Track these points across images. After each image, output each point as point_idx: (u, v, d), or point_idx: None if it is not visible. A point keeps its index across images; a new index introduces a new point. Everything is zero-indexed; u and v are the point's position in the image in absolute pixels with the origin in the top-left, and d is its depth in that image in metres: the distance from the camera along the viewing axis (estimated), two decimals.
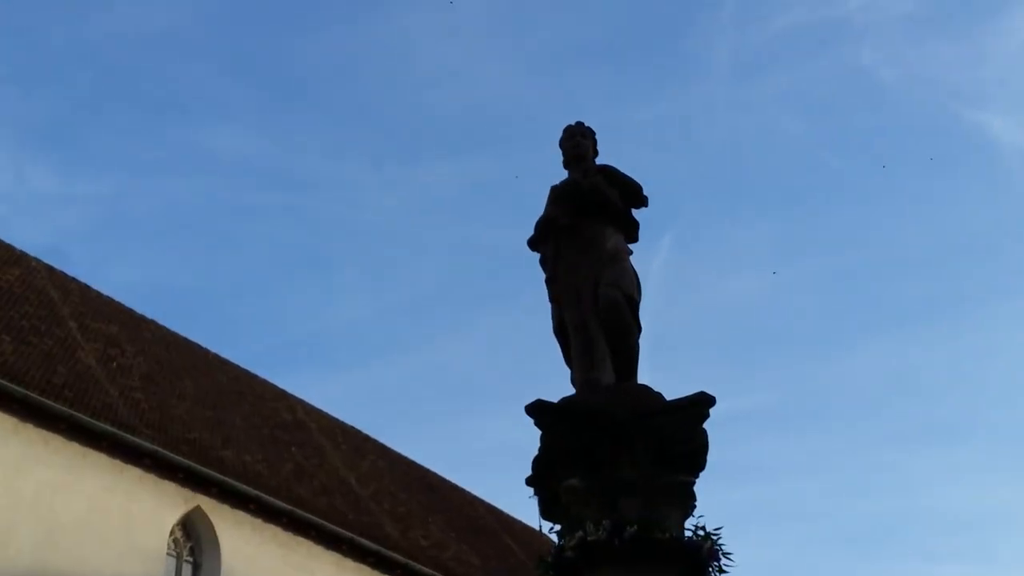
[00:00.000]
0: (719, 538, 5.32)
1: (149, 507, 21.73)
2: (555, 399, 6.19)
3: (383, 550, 25.64)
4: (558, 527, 5.42)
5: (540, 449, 5.73)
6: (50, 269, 25.98)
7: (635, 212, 7.56)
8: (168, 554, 22.19)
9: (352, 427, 32.30)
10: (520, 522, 33.51)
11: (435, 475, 34.14)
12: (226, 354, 30.47)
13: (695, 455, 5.55)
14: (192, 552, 22.75)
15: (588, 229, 7.02)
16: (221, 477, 22.73)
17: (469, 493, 34.79)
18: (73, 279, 26.60)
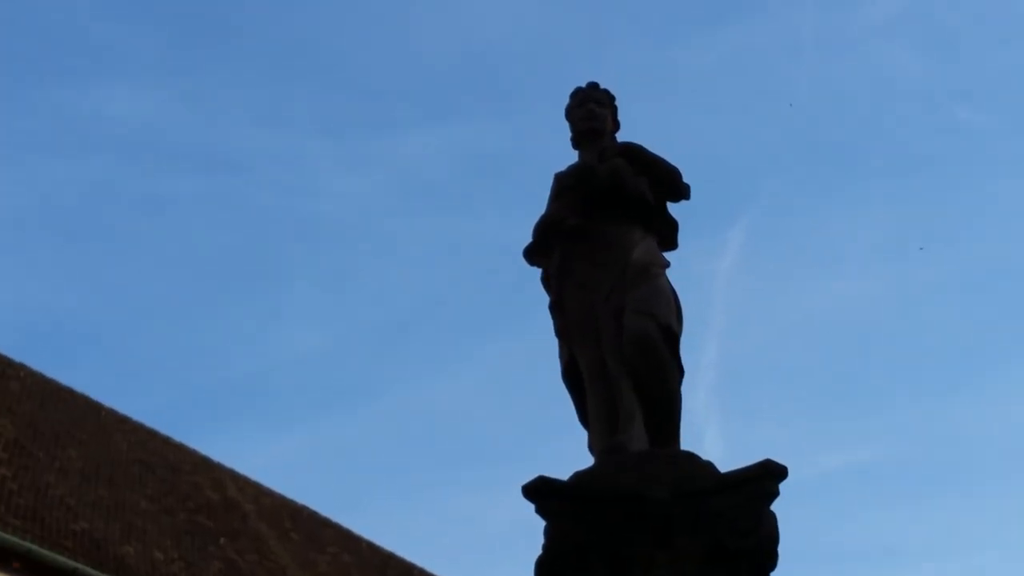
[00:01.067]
0: None
1: None
2: (566, 474, 6.09)
3: None
4: None
5: (545, 546, 5.63)
6: None
7: (673, 207, 7.44)
8: None
9: (304, 506, 32.31)
10: None
11: (420, 570, 34.17)
12: (124, 409, 30.42)
13: (761, 547, 5.46)
14: None
15: (607, 233, 6.83)
16: None
17: None
18: None
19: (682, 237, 7.66)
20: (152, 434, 29.90)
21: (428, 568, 34.22)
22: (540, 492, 5.63)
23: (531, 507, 5.78)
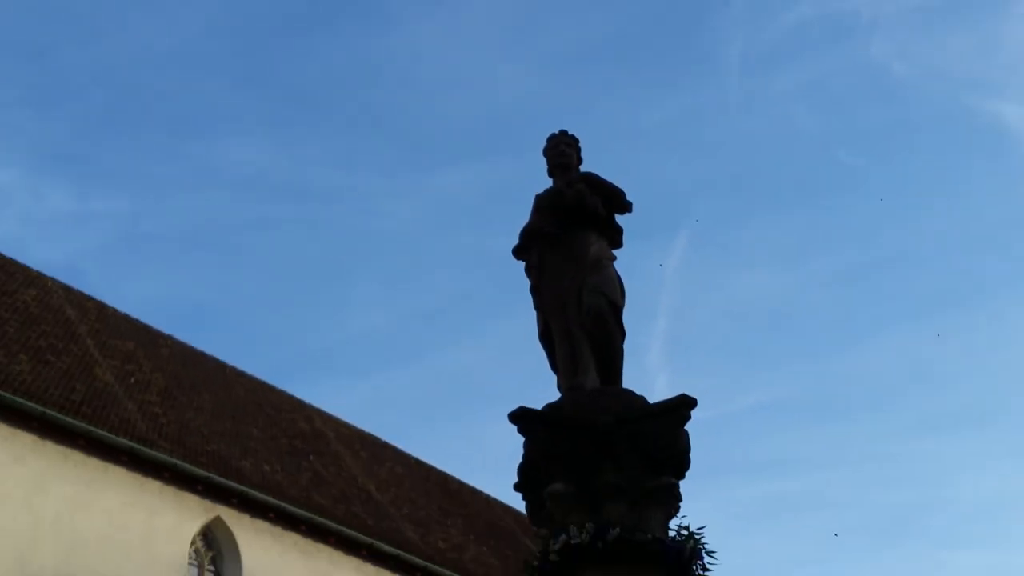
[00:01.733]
0: (702, 537, 5.36)
1: (170, 520, 21.85)
2: (541, 405, 6.21)
3: (403, 554, 25.71)
4: (543, 531, 5.45)
5: (524, 456, 5.76)
6: (67, 288, 26.14)
7: (621, 218, 7.55)
8: (190, 564, 22.31)
9: (370, 434, 32.39)
10: (538, 532, 33.61)
11: (453, 479, 34.19)
12: (243, 367, 30.59)
13: (678, 458, 5.56)
14: (213, 562, 22.86)
15: (572, 238, 6.96)
16: (240, 487, 22.84)
17: (487, 495, 34.81)
18: (90, 297, 26.76)
19: (635, 238, 7.80)
20: (262, 384, 30.04)
21: (460, 477, 34.27)
22: (521, 417, 5.76)
23: (516, 428, 5.92)
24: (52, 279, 26.17)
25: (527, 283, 7.35)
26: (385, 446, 32.48)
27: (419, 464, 33.13)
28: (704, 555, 5.29)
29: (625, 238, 7.66)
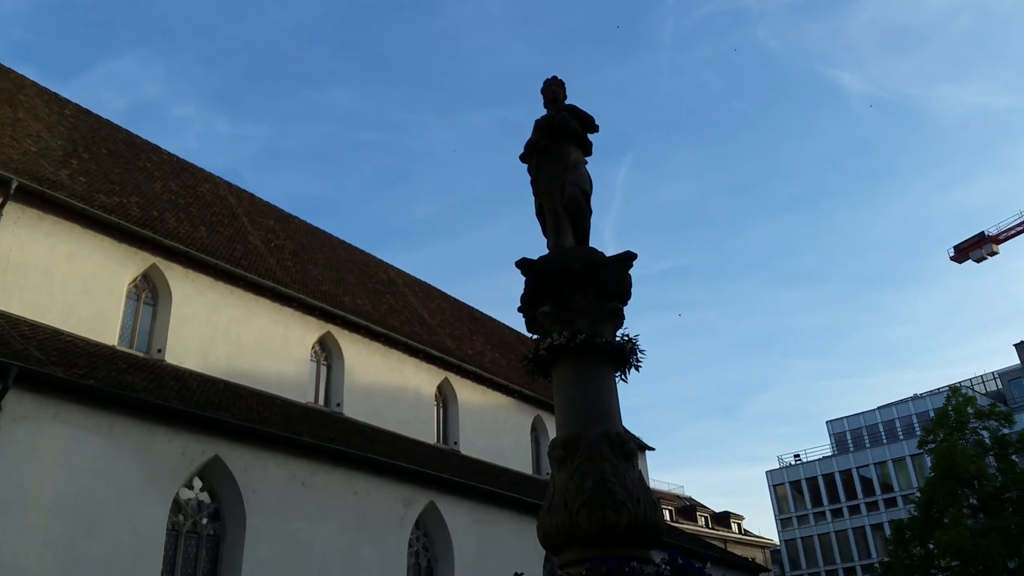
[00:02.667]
0: (637, 342, 5.38)
1: (298, 333, 22.08)
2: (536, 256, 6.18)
3: (445, 356, 26.05)
4: (536, 336, 5.46)
5: (525, 288, 5.74)
6: (229, 184, 25.92)
7: (591, 136, 7.40)
8: (311, 360, 22.64)
9: (424, 282, 32.55)
10: (532, 337, 34.10)
11: (478, 310, 34.51)
12: (345, 237, 30.79)
13: (624, 291, 5.54)
14: (327, 359, 23.18)
15: (558, 147, 6.86)
16: (343, 313, 23.00)
17: (500, 321, 35.17)
18: (244, 190, 26.56)
19: (600, 157, 7.67)
20: (356, 249, 30.06)
21: (482, 309, 34.59)
22: (523, 264, 5.70)
23: (520, 272, 5.88)
24: (220, 178, 25.90)
25: (528, 180, 7.22)
26: (434, 289, 32.69)
27: (456, 301, 33.43)
28: (638, 352, 5.33)
29: (592, 157, 7.53)
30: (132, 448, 15.89)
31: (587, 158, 7.06)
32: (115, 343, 18.38)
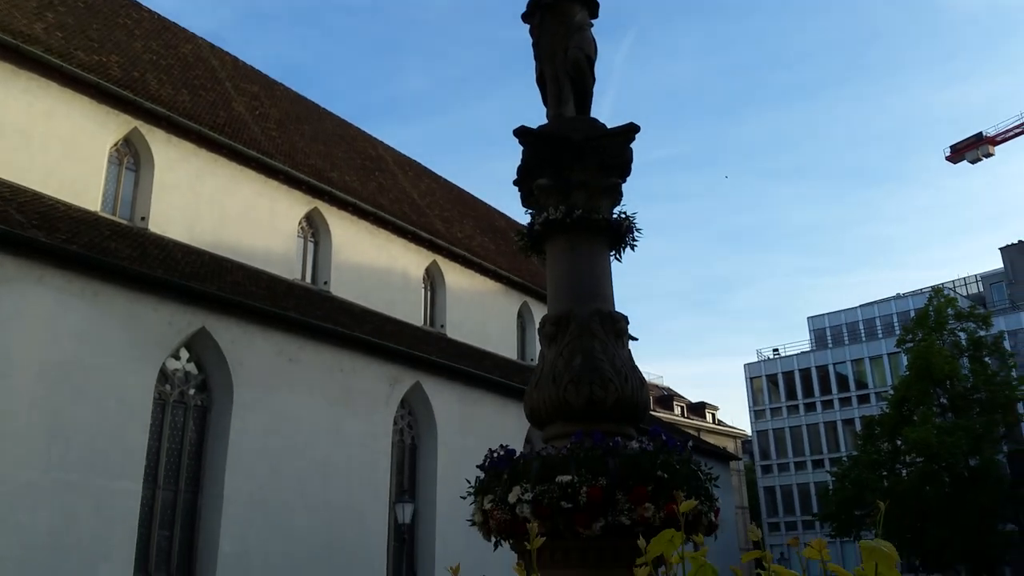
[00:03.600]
0: (634, 220, 5.21)
1: (284, 207, 21.75)
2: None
3: (434, 239, 25.87)
4: (532, 212, 5.27)
5: (522, 159, 5.48)
6: (212, 46, 24.85)
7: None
8: (298, 236, 22.40)
9: (414, 160, 31.93)
10: (522, 223, 33.86)
11: (468, 193, 34.08)
12: (332, 109, 29.92)
13: (624, 165, 5.31)
14: (314, 235, 22.95)
15: (563, 6, 6.38)
16: (331, 189, 22.62)
17: (489, 205, 34.82)
18: (228, 53, 25.51)
19: (606, 23, 7.23)
20: (344, 121, 29.23)
21: (472, 191, 34.17)
22: (522, 132, 5.39)
23: (518, 141, 5.62)
24: (202, 39, 24.82)
25: (523, 62, 6.86)
26: (424, 169, 32.12)
27: (447, 182, 32.91)
28: (635, 230, 5.15)
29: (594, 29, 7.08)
30: (118, 316, 15.86)
31: (592, 20, 6.61)
32: (98, 209, 18.05)
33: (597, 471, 4.14)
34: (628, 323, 4.98)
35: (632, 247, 5.29)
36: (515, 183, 5.57)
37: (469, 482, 4.38)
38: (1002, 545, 31.83)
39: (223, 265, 19.19)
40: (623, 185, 5.49)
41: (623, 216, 5.28)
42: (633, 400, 4.67)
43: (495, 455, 4.59)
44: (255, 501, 17.51)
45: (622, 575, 3.29)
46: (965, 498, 30.98)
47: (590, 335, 4.71)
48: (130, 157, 19.10)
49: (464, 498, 4.36)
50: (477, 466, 4.44)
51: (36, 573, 13.76)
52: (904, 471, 33.93)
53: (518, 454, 4.64)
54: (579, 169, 5.22)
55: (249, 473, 17.54)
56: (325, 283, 22.74)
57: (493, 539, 4.40)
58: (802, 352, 53.40)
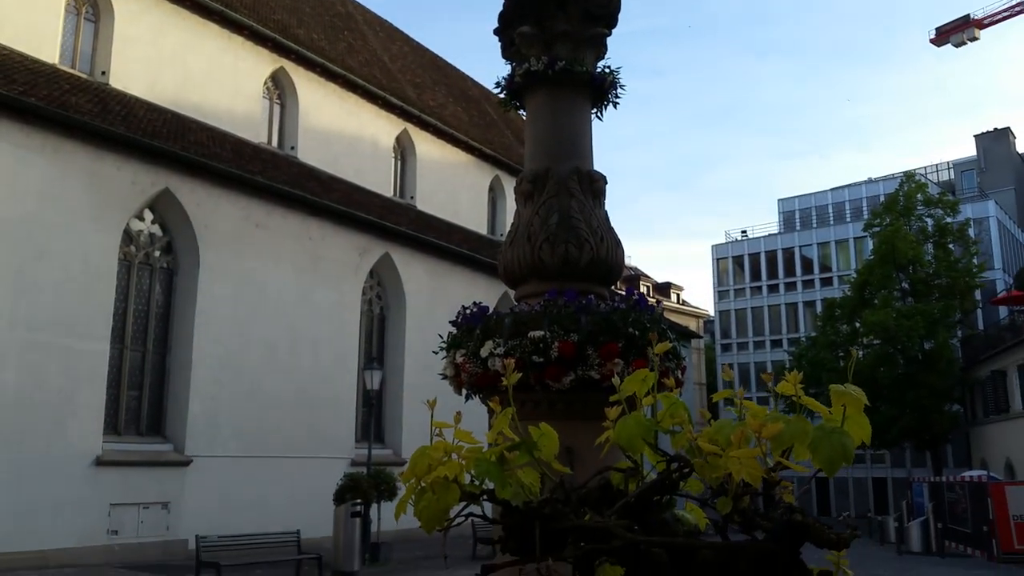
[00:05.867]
0: (618, 76, 5.04)
1: (249, 65, 20.93)
2: None
3: (405, 105, 25.22)
4: (512, 63, 5.06)
5: (504, 5, 5.20)
6: None
7: None
8: (263, 98, 21.68)
9: (386, 20, 30.68)
10: (496, 94, 32.96)
11: (441, 58, 32.99)
12: None
13: (610, 15, 5.07)
14: (280, 97, 22.24)
15: None
16: (297, 48, 21.76)
17: (463, 72, 33.80)
18: None
19: None
20: None
21: (446, 58, 33.05)
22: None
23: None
24: None
25: None
26: (396, 31, 30.88)
27: (419, 46, 31.74)
28: (617, 86, 5.00)
29: None
30: (79, 173, 15.44)
31: None
32: (56, 61, 17.23)
33: (569, 327, 4.18)
34: (606, 183, 4.91)
35: (615, 104, 5.14)
36: (495, 32, 5.33)
37: (442, 337, 4.41)
38: (947, 425, 33.55)
39: (186, 125, 18.60)
40: (608, 38, 5.28)
41: (607, 71, 5.11)
42: (607, 261, 4.66)
43: (468, 311, 4.61)
44: (224, 365, 17.71)
45: (589, 426, 3.34)
46: (916, 380, 32.35)
47: (567, 194, 4.64)
48: (88, 6, 18.08)
49: (436, 353, 4.41)
50: (450, 322, 4.47)
51: (3, 430, 13.93)
52: (861, 352, 35.19)
53: (491, 311, 4.66)
54: (563, 18, 4.97)
55: (217, 337, 17.64)
56: (292, 148, 22.22)
57: (464, 392, 4.48)
58: (769, 235, 54.02)
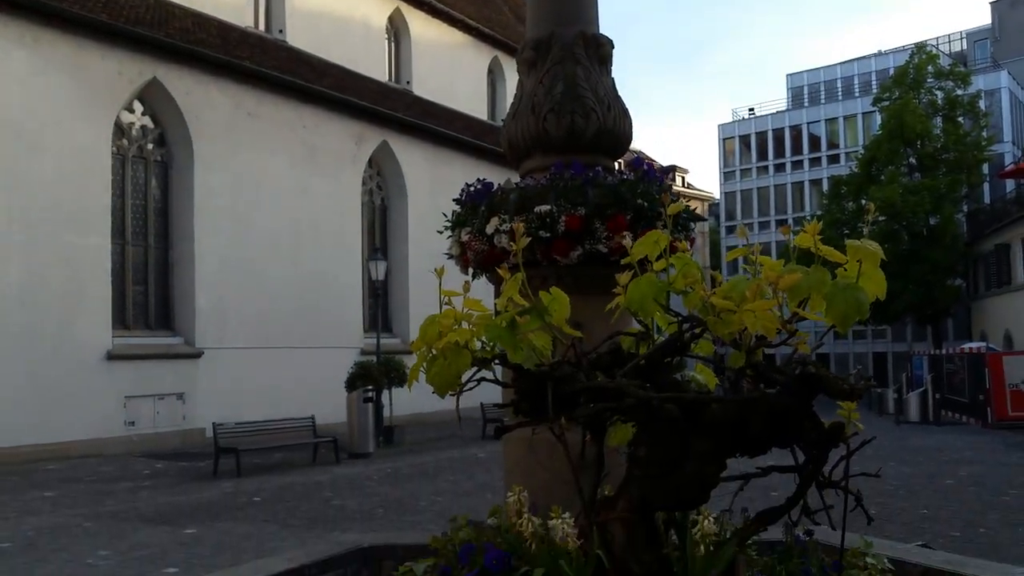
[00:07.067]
0: None
1: None
2: None
3: None
4: None
5: None
6: None
7: None
8: None
9: None
10: None
11: None
12: None
13: None
14: None
15: None
16: None
17: None
18: None
19: None
20: None
21: None
22: None
23: None
24: None
25: None
26: None
27: None
28: None
29: None
30: (62, 64, 15.03)
31: None
32: None
33: (576, 201, 4.11)
34: (613, 47, 4.73)
35: None
36: None
37: (446, 216, 4.36)
38: (950, 299, 33.88)
39: (169, 10, 17.93)
40: None
41: None
42: (615, 131, 4.54)
43: (472, 188, 4.53)
44: (227, 258, 17.76)
45: (597, 300, 3.33)
46: (920, 255, 32.44)
47: (573, 60, 4.46)
48: None
49: (440, 232, 4.37)
50: (454, 199, 4.41)
51: (13, 328, 14.11)
52: (865, 229, 35.13)
53: (496, 187, 4.59)
54: None
55: (217, 230, 17.62)
56: (280, 31, 21.50)
57: (470, 271, 4.45)
58: (777, 112, 53.00)
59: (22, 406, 13.93)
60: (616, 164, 4.72)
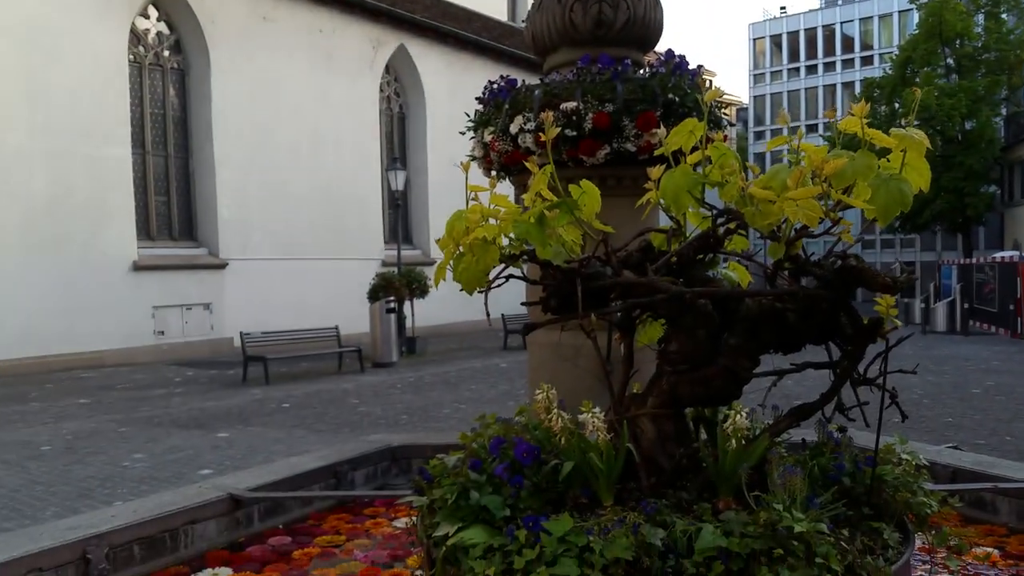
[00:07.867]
0: None
1: None
2: None
3: None
4: None
5: None
6: None
7: None
8: None
9: None
10: None
11: None
12: None
13: None
14: None
15: None
16: None
17: None
18: None
19: None
20: None
21: None
22: None
23: None
24: None
25: None
26: None
27: None
28: None
29: None
30: None
31: None
32: None
33: (604, 97, 3.94)
34: None
35: None
36: None
37: (468, 115, 4.23)
38: (982, 206, 33.14)
39: None
40: None
41: None
42: (645, 21, 4.31)
43: (495, 86, 4.37)
44: (247, 167, 17.68)
45: (624, 202, 3.22)
46: (953, 161, 31.60)
47: None
48: None
49: (463, 133, 4.24)
50: (476, 98, 4.26)
51: (40, 238, 14.26)
52: (903, 121, 34.18)
53: (520, 84, 4.42)
54: None
55: (237, 139, 17.48)
56: None
57: (493, 173, 4.34)
58: (810, 11, 51.01)
59: (53, 316, 14.20)
60: (644, 59, 4.53)
